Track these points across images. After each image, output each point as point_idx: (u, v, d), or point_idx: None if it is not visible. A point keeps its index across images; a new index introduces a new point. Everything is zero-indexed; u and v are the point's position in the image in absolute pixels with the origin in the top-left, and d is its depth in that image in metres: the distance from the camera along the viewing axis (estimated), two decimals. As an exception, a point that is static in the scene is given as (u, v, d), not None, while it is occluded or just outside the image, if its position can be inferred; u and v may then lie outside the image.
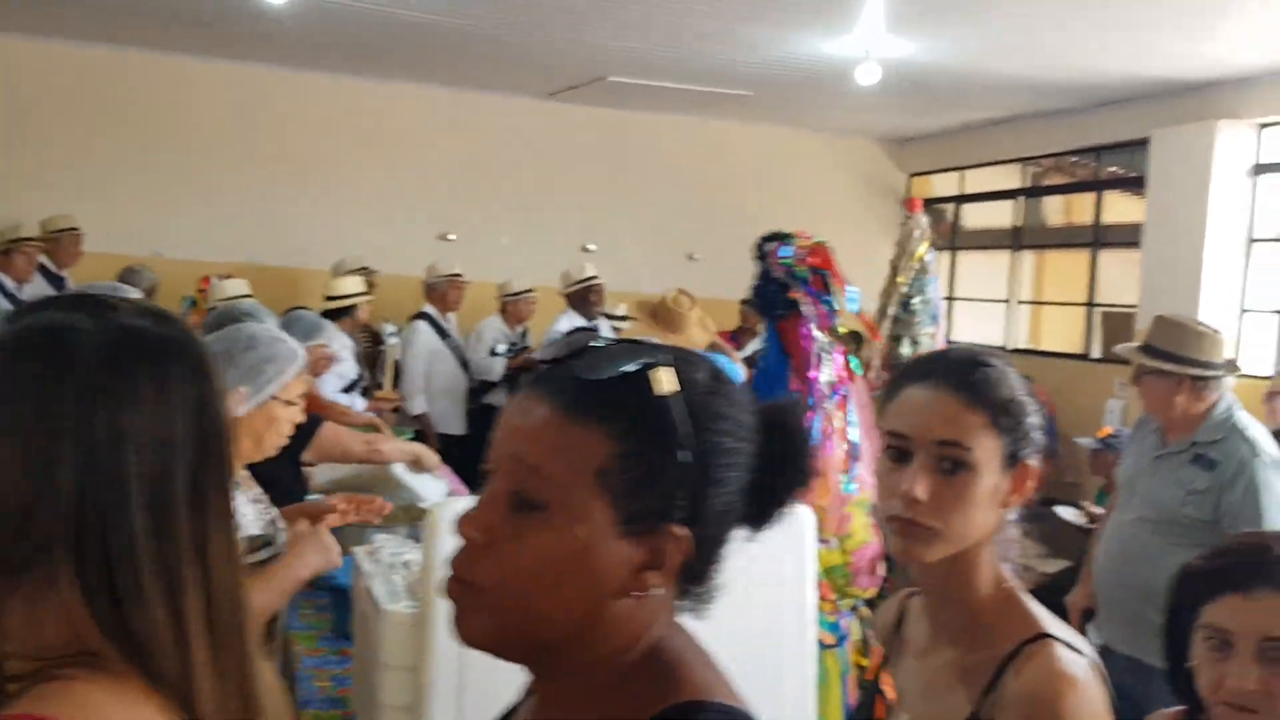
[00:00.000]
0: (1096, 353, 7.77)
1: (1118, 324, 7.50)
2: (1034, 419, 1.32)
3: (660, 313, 4.66)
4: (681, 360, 0.92)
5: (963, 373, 1.31)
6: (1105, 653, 3.06)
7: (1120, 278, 7.58)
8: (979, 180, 9.04)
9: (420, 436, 6.31)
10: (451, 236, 8.45)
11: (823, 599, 2.74)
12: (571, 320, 6.24)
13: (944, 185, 9.43)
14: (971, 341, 8.52)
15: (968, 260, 9.33)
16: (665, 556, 0.89)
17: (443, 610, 1.97)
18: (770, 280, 3.17)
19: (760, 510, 0.94)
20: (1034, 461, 1.32)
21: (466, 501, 1.04)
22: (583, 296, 6.60)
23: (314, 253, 7.76)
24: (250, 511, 2.31)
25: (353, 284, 5.95)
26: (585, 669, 0.91)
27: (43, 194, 7.36)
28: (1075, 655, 1.27)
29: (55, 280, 6.82)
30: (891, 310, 6.25)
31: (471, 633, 0.90)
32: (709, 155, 8.97)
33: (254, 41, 7.10)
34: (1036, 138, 8.04)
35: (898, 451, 1.31)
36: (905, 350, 6.10)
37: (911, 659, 1.41)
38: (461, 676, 2.00)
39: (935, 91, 7.25)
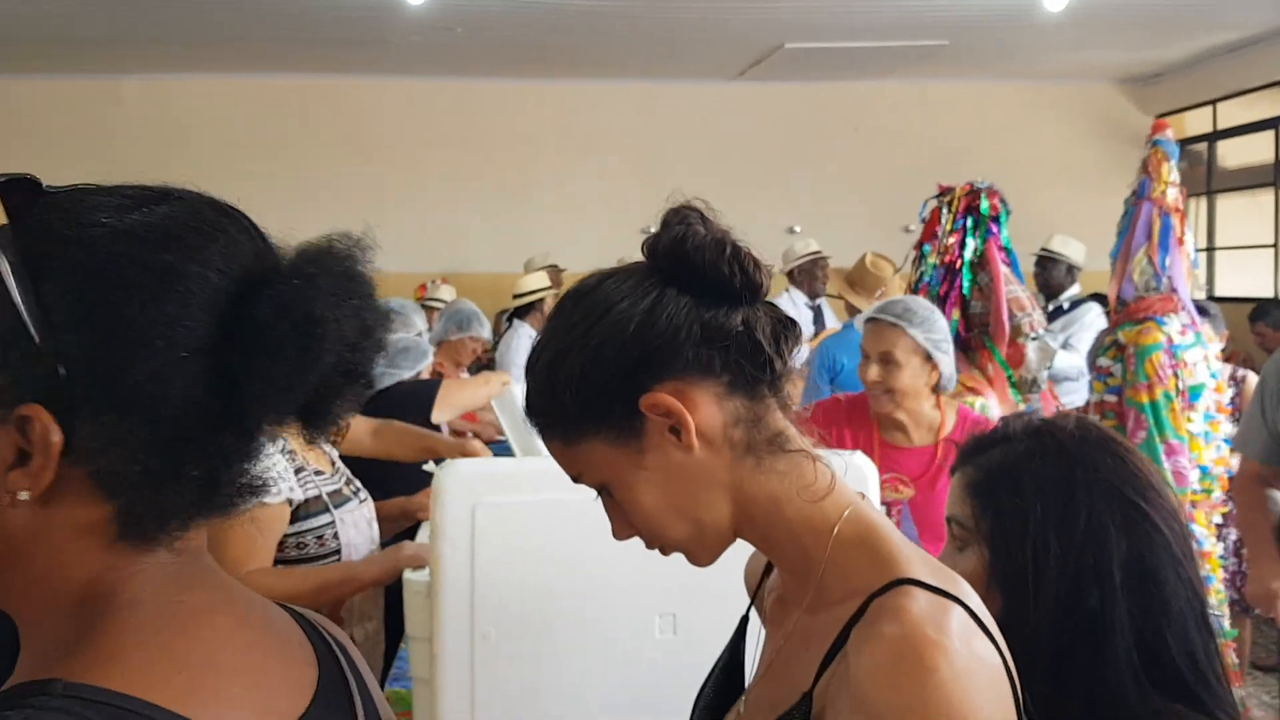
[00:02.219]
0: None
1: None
2: None
3: (857, 277, 4.34)
4: (72, 195, 0.70)
5: None
6: None
7: None
8: (1234, 114, 8.03)
9: None
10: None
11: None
12: (795, 299, 5.88)
13: (1197, 123, 8.45)
14: (1237, 295, 7.55)
15: (1227, 204, 8.31)
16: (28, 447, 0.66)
17: (453, 578, 1.85)
18: None
19: (265, 405, 0.72)
20: None
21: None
22: (808, 273, 6.06)
23: (515, 258, 7.89)
24: (289, 476, 2.27)
25: (537, 280, 6.00)
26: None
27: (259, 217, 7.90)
28: (946, 605, 0.90)
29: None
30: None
31: None
32: (914, 120, 8.43)
33: (432, 55, 7.31)
34: (1295, 54, 7.05)
35: None
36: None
37: (769, 621, 1.08)
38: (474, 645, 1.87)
39: (1162, 14, 6.49)
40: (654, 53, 7.33)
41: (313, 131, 8.16)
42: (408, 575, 2.14)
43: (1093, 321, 5.90)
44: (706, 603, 1.94)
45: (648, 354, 0.95)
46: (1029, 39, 6.96)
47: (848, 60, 7.44)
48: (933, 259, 2.79)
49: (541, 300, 5.91)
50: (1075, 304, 6.01)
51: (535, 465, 1.79)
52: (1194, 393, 3.58)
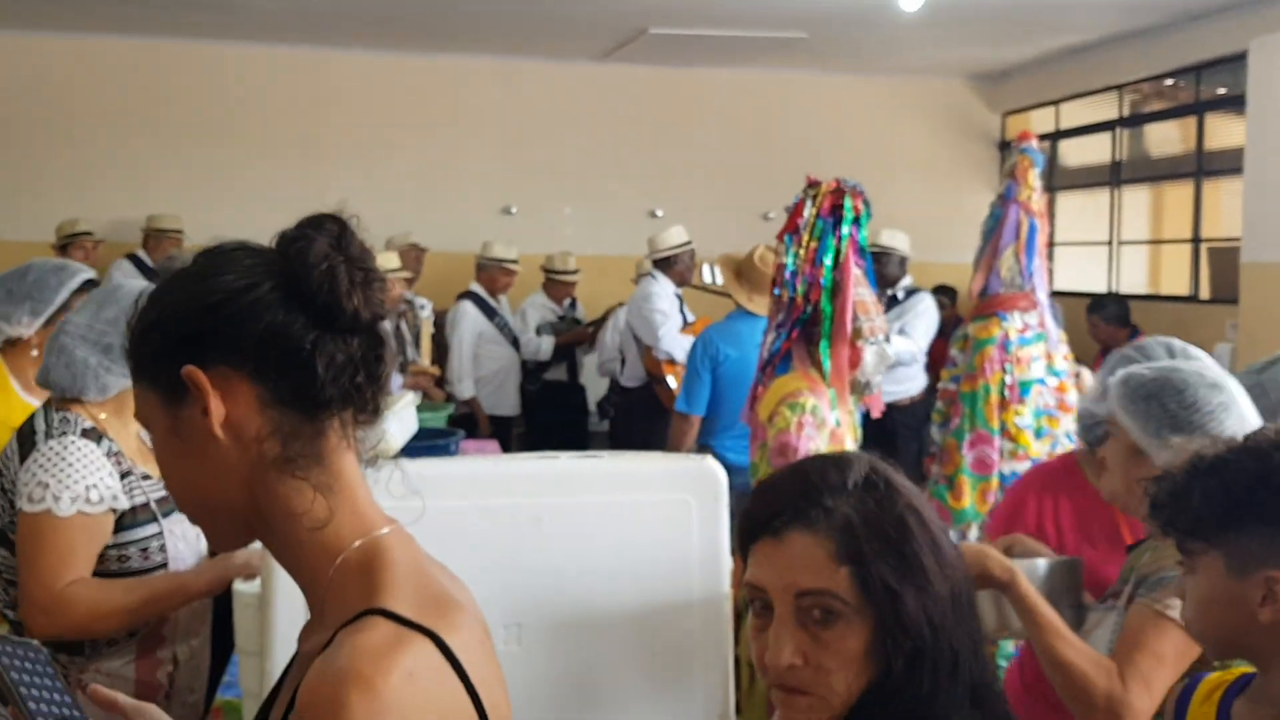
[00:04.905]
0: (1205, 293, 7.10)
1: (1224, 260, 6.83)
2: None
3: (745, 271, 4.33)
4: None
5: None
6: None
7: (1231, 210, 6.90)
8: (1075, 114, 8.38)
9: (469, 420, 6.17)
10: (513, 210, 8.29)
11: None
12: (664, 288, 5.82)
13: (1041, 122, 8.80)
14: (1075, 290, 7.91)
15: (1067, 201, 8.69)
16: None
17: (283, 589, 1.77)
18: None
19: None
20: None
21: None
22: (676, 262, 5.91)
23: (373, 233, 7.67)
24: (113, 484, 2.14)
25: (384, 259, 5.80)
26: None
27: (98, 190, 7.54)
28: (407, 639, 0.91)
29: (151, 274, 6.96)
30: None
31: None
32: (775, 109, 8.54)
33: (287, 22, 7.04)
34: (1131, 60, 7.38)
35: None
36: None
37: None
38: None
39: (1011, 17, 6.72)
40: (516, 29, 7.23)
41: (157, 98, 7.77)
42: (238, 586, 2.05)
43: (925, 310, 6.16)
44: (553, 613, 1.93)
45: (212, 330, 0.99)
46: (885, 35, 7.12)
47: (711, 48, 7.49)
48: (798, 252, 2.81)
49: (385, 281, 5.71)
50: (909, 293, 6.24)
51: (369, 473, 1.73)
52: (1024, 387, 3.74)
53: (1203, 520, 1.37)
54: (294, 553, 1.01)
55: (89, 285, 2.78)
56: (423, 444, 3.59)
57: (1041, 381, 3.79)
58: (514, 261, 6.63)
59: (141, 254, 7.12)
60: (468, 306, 6.48)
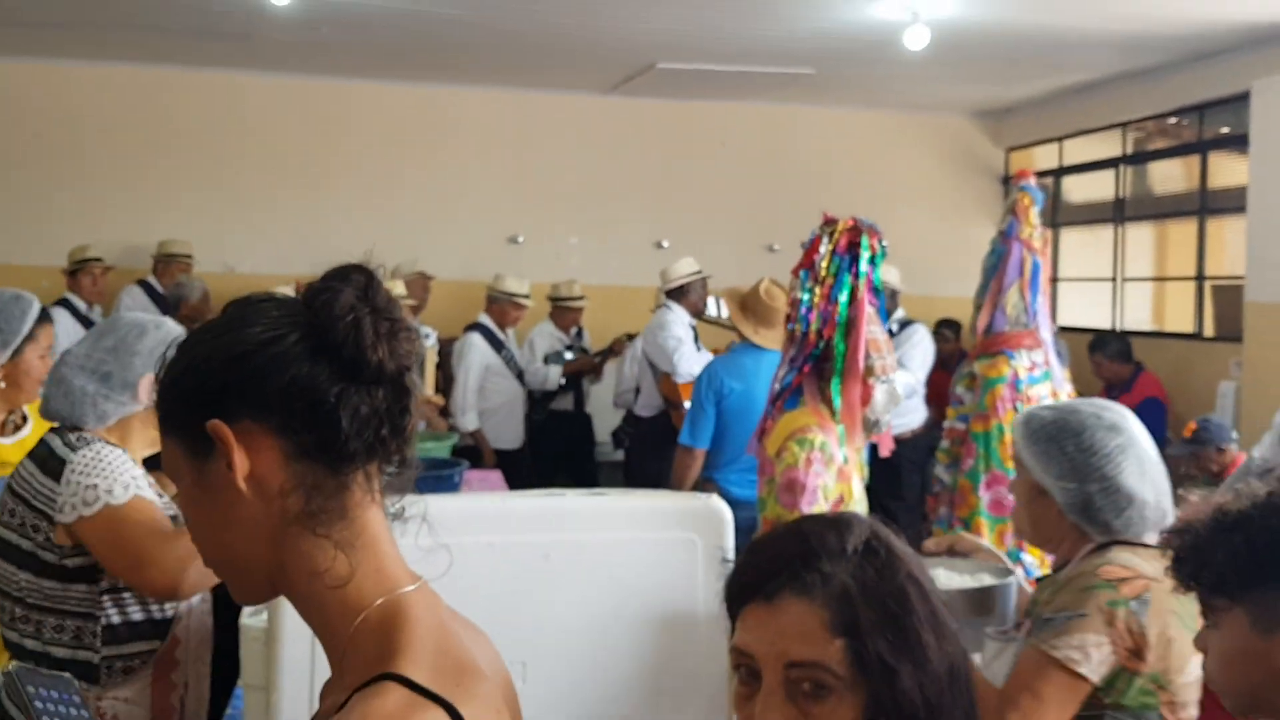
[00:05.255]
0: (1209, 331, 7.12)
1: (1228, 298, 6.85)
2: None
3: (751, 304, 4.34)
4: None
5: None
6: None
7: (1235, 247, 6.93)
8: (1078, 151, 8.44)
9: (473, 451, 6.19)
10: (520, 239, 8.34)
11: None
12: (680, 316, 5.88)
13: (1045, 158, 8.85)
14: (1078, 325, 7.94)
15: (1070, 237, 8.73)
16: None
17: (291, 623, 1.78)
18: None
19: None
20: None
21: None
22: (690, 291, 5.96)
23: (383, 262, 7.71)
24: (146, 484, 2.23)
25: (391, 288, 5.79)
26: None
27: (109, 216, 7.59)
28: (420, 707, 0.90)
29: (161, 300, 6.98)
30: None
31: None
32: (781, 142, 8.60)
33: (298, 51, 7.12)
34: (1134, 99, 7.43)
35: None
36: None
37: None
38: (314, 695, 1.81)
39: (1015, 56, 6.77)
40: (525, 62, 7.30)
41: (167, 125, 7.82)
42: (245, 621, 2.06)
43: (920, 341, 6.24)
44: (559, 651, 1.94)
45: (239, 383, 0.98)
46: (891, 72, 7.18)
47: (718, 82, 7.55)
48: (813, 288, 2.83)
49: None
50: (903, 325, 6.30)
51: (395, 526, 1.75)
52: None
53: (1227, 577, 1.36)
54: (315, 610, 1.00)
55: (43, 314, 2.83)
56: (427, 474, 3.61)
57: None
58: (525, 296, 6.65)
59: (152, 280, 7.18)
60: (475, 339, 6.49)
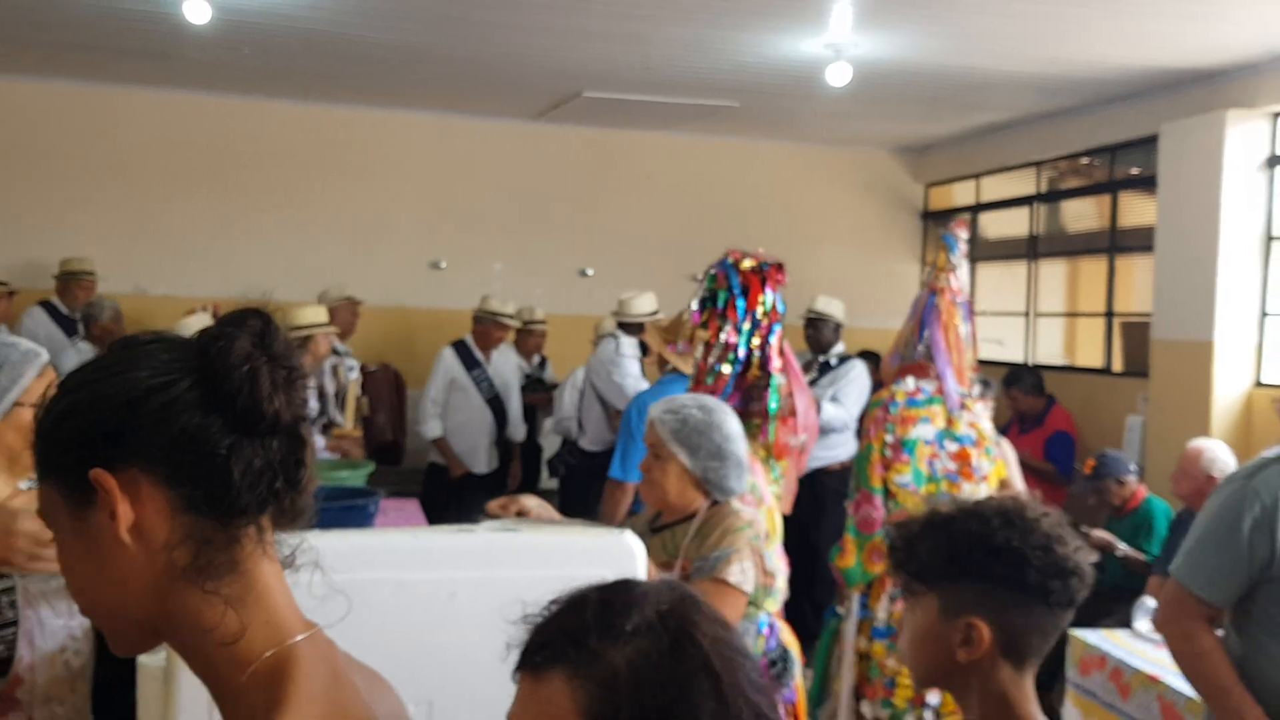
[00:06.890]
0: (1117, 366, 7.31)
1: (1136, 334, 7.04)
2: None
3: (673, 333, 4.35)
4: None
5: None
6: None
7: (1143, 285, 7.13)
8: (995, 188, 8.64)
9: (439, 470, 6.23)
10: (443, 265, 8.28)
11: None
12: (628, 349, 5.86)
13: (963, 195, 9.05)
14: (995, 359, 8.09)
15: (987, 272, 8.92)
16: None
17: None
18: None
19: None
20: None
21: None
22: (643, 330, 5.80)
23: (301, 286, 7.60)
24: None
25: (313, 314, 5.70)
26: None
27: (11, 235, 7.36)
28: None
29: (65, 321, 6.78)
30: None
31: None
32: (707, 174, 8.67)
33: (215, 70, 6.99)
34: (1049, 139, 7.64)
35: None
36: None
37: None
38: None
39: (936, 94, 6.93)
40: (452, 87, 7.27)
41: (73, 142, 7.60)
42: (142, 660, 1.98)
43: (858, 376, 6.26)
44: (464, 691, 1.90)
45: (123, 430, 0.92)
46: (813, 107, 7.28)
47: (643, 112, 7.59)
48: (717, 322, 2.86)
49: (312, 337, 5.60)
50: (842, 360, 6.34)
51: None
52: (906, 446, 3.81)
53: (927, 567, 1.56)
54: (203, 663, 0.96)
55: None
56: (341, 505, 3.52)
57: (930, 442, 3.85)
58: (510, 316, 6.67)
59: (55, 301, 6.97)
60: (447, 352, 6.54)
